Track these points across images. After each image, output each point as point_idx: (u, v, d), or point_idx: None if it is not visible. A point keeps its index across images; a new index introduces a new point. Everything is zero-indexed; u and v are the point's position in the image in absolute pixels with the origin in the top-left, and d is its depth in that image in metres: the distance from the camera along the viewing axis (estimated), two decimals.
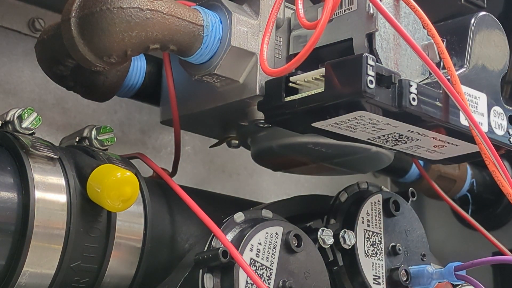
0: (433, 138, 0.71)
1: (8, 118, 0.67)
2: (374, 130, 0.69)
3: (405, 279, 0.75)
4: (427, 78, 0.70)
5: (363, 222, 0.75)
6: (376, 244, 0.76)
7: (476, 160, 0.73)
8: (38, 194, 0.62)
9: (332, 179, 1.10)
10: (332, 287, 0.73)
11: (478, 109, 0.70)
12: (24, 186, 0.62)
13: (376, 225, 0.76)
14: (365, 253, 0.75)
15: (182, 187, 0.71)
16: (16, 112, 0.67)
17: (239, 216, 0.70)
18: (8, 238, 0.61)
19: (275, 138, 0.78)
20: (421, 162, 1.02)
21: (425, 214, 1.20)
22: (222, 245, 0.66)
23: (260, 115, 0.71)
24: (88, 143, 0.71)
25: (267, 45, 0.67)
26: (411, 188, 0.82)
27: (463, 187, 1.10)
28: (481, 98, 0.71)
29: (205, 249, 0.67)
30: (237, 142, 0.83)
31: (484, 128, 0.70)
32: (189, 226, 0.72)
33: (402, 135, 0.70)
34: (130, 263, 0.68)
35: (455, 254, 1.17)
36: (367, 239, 0.75)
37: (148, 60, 0.80)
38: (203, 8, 0.70)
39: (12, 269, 0.61)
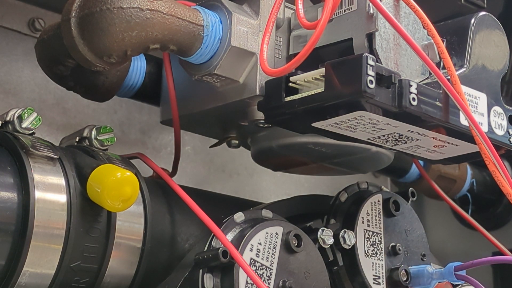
0: (433, 138, 0.71)
1: (8, 118, 0.67)
2: (374, 130, 0.69)
3: (405, 279, 0.75)
4: (427, 78, 0.70)
5: (363, 222, 0.75)
6: (376, 244, 0.76)
7: (476, 160, 0.73)
8: (38, 194, 0.62)
9: (332, 179, 1.10)
10: (332, 287, 0.73)
11: (478, 109, 0.70)
12: (24, 186, 0.62)
13: (376, 225, 0.76)
14: (365, 253, 0.75)
15: (182, 187, 0.71)
16: (16, 112, 0.67)
17: (239, 216, 0.70)
18: (8, 238, 0.61)
19: (275, 138, 0.78)
20: (421, 162, 1.02)
21: (425, 214, 1.20)
22: (222, 245, 0.66)
23: (260, 115, 0.71)
24: (88, 143, 0.71)
25: (267, 45, 0.67)
26: (411, 188, 0.82)
27: (463, 187, 1.10)
28: (481, 98, 0.71)
29: (205, 249, 0.67)
30: (237, 142, 0.83)
31: (484, 128, 0.70)
32: (189, 226, 0.72)
33: (402, 135, 0.70)
34: (130, 263, 0.68)
35: (455, 254, 1.17)
36: (367, 239, 0.75)
37: (148, 60, 0.80)
38: (203, 8, 0.70)
39: (12, 269, 0.61)
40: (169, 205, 0.72)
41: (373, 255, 0.75)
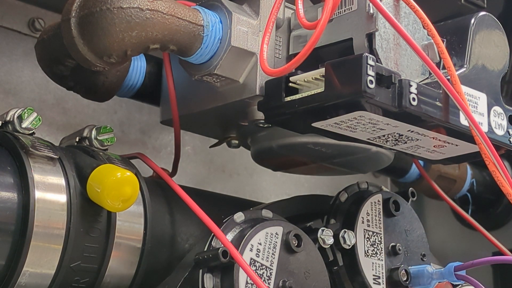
0: (433, 138, 0.71)
1: (8, 118, 0.67)
2: (374, 130, 0.69)
3: (405, 279, 0.75)
4: (427, 78, 0.70)
5: (363, 222, 0.75)
6: (376, 244, 0.76)
7: (476, 160, 0.73)
8: (38, 194, 0.62)
9: (332, 179, 1.10)
10: (332, 287, 0.73)
11: (478, 109, 0.70)
12: (24, 186, 0.62)
13: (376, 225, 0.76)
14: (365, 253, 0.75)
15: (182, 187, 0.71)
16: (16, 112, 0.67)
17: (239, 216, 0.70)
18: (8, 238, 0.61)
19: (275, 138, 0.78)
20: (421, 162, 1.02)
21: (425, 214, 1.20)
22: (222, 245, 0.66)
23: (260, 115, 0.71)
24: (88, 143, 0.71)
25: (267, 45, 0.67)
26: (411, 188, 0.82)
27: (463, 187, 1.10)
28: (481, 98, 0.71)
29: (205, 249, 0.67)
30: (237, 142, 0.83)
31: (484, 128, 0.70)
32: (189, 226, 0.72)
33: (402, 135, 0.70)
34: (130, 263, 0.68)
35: (455, 254, 1.17)
36: (367, 239, 0.75)
37: (148, 60, 0.80)
38: (203, 8, 0.70)
39: (12, 269, 0.61)
40: (169, 205, 0.72)
41: (373, 255, 0.75)
